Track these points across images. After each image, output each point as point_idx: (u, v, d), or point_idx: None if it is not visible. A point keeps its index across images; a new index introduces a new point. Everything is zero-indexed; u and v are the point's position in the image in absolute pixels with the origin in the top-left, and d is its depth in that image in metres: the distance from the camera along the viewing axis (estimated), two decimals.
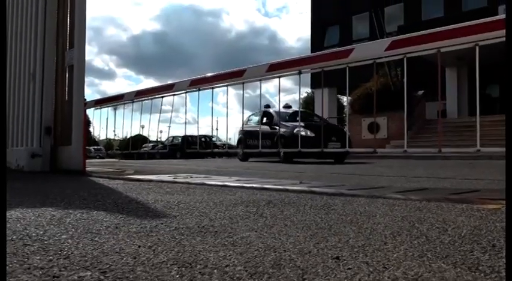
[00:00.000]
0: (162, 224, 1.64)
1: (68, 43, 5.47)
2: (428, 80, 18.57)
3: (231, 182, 3.91)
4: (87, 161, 5.59)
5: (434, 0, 20.69)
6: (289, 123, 10.69)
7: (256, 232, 1.50)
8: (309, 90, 30.78)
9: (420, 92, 16.19)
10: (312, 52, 25.56)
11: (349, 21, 24.10)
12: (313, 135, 9.33)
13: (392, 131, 15.22)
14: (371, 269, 1.01)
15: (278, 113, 11.24)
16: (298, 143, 6.95)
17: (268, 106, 11.99)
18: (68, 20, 5.47)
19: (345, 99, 26.41)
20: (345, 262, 1.09)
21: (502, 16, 2.54)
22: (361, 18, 23.23)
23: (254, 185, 3.38)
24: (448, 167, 7.76)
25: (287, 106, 11.97)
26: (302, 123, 10.21)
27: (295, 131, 9.33)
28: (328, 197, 2.60)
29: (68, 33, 5.46)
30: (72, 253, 1.17)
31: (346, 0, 24.28)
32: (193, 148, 23.10)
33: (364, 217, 1.85)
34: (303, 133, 9.29)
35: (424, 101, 16.64)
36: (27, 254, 1.16)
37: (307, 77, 23.49)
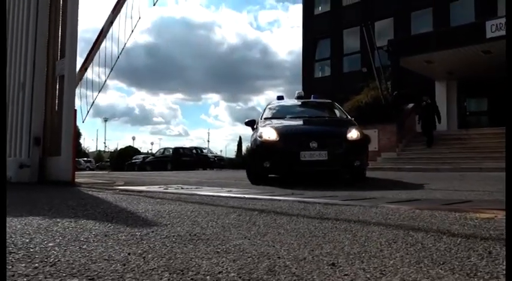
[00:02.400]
0: (152, 232, 1.60)
1: (59, 53, 5.43)
2: (418, 93, 18.79)
3: (223, 192, 3.87)
4: (76, 173, 5.51)
5: (423, 15, 21.06)
6: (281, 122, 6.46)
7: (249, 239, 1.47)
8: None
9: (410, 105, 16.33)
10: (303, 65, 25.82)
11: (340, 35, 24.38)
12: (277, 139, 5.63)
13: (383, 143, 15.30)
14: (368, 276, 0.99)
15: (271, 106, 7.52)
16: (257, 152, 5.81)
17: (281, 97, 8.28)
18: (60, 29, 5.45)
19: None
20: (341, 268, 1.06)
21: None
22: (352, 32, 23.52)
23: (246, 196, 3.35)
24: (438, 179, 7.78)
25: (299, 96, 8.35)
26: (299, 121, 6.49)
27: (257, 134, 5.85)
28: (321, 206, 2.58)
29: (59, 43, 5.43)
30: (59, 261, 1.13)
31: (337, 15, 24.60)
32: (185, 159, 22.98)
33: (358, 226, 1.82)
34: (264, 137, 5.73)
35: (414, 114, 16.77)
36: (11, 261, 1.12)
37: (298, 89, 23.62)
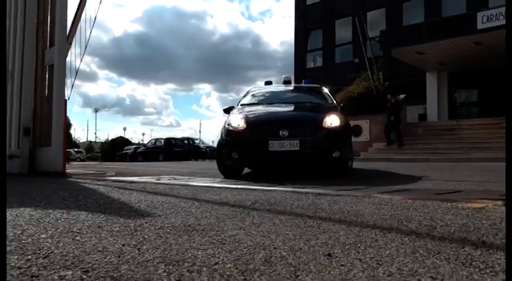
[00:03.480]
0: (146, 223, 1.59)
1: (48, 42, 5.34)
2: (410, 84, 18.87)
3: (216, 183, 3.86)
4: (67, 163, 5.45)
5: (415, 6, 21.06)
6: (256, 108, 5.82)
7: (244, 230, 1.46)
8: None
9: (402, 96, 16.40)
10: (295, 55, 25.74)
11: (332, 25, 24.31)
12: (244, 127, 5.03)
13: (374, 133, 15.38)
14: (365, 266, 0.99)
15: (252, 91, 6.90)
16: (224, 142, 5.15)
17: (269, 83, 7.44)
18: (49, 18, 5.34)
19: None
20: (338, 258, 1.06)
21: None
22: (344, 23, 23.47)
23: (239, 186, 3.34)
24: (429, 169, 7.85)
25: (287, 81, 7.42)
26: (276, 107, 5.74)
27: (227, 122, 5.32)
28: (314, 197, 2.58)
29: (48, 32, 5.33)
30: (52, 252, 1.11)
31: (329, 5, 24.50)
32: (177, 150, 22.91)
33: (352, 216, 1.83)
34: (233, 125, 5.14)
35: (405, 105, 16.86)
36: None
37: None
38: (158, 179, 4.32)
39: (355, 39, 20.78)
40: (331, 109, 5.41)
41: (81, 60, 5.69)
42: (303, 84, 7.47)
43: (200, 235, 1.36)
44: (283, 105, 5.91)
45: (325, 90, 6.71)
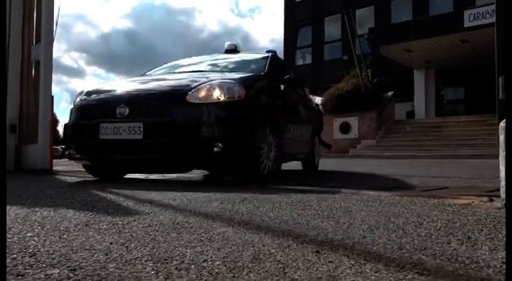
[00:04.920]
0: (134, 221, 1.58)
1: (34, 38, 5.25)
2: (398, 82, 19.02)
3: (201, 179, 3.85)
4: (54, 160, 5.39)
5: (403, 4, 21.24)
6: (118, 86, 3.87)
7: (232, 227, 1.46)
8: None
9: (390, 93, 16.54)
10: (284, 53, 25.75)
11: (321, 22, 24.39)
12: (78, 105, 3.68)
13: (363, 130, 15.50)
14: (352, 262, 1.00)
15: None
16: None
17: (231, 50, 5.30)
18: (35, 13, 5.26)
19: (317, 100, 26.63)
20: (326, 255, 1.07)
21: None
22: (333, 20, 23.57)
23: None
24: (416, 166, 7.95)
25: (229, 49, 5.29)
26: (165, 81, 3.78)
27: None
28: (303, 194, 2.59)
29: (34, 27, 5.25)
30: (38, 251, 1.10)
31: (318, 2, 24.56)
32: None
33: (340, 212, 1.84)
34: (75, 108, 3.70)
35: (393, 102, 17.01)
36: None
37: None
38: (147, 176, 4.30)
39: (344, 36, 20.89)
40: (240, 81, 3.50)
41: None
42: (251, 54, 5.21)
43: (188, 233, 1.36)
44: (177, 78, 3.88)
45: (272, 60, 4.51)
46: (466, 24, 14.24)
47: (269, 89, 4.00)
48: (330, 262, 1.01)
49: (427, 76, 18.98)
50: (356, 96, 15.20)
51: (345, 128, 15.77)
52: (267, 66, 4.29)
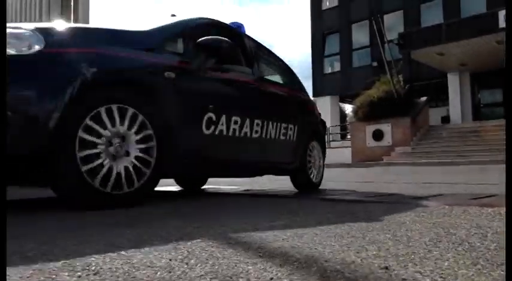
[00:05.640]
0: (186, 236, 1.57)
1: None
2: (431, 86, 18.56)
3: (240, 188, 3.83)
4: None
5: (433, 6, 20.81)
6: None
7: (288, 242, 1.43)
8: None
9: (423, 98, 16.16)
10: (313, 61, 25.67)
11: (349, 29, 24.21)
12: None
13: (397, 137, 15.15)
14: (428, 280, 0.94)
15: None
16: None
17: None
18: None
19: (347, 107, 26.37)
20: (396, 272, 1.02)
21: None
22: (361, 26, 23.35)
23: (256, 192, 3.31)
24: (456, 173, 7.67)
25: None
26: None
27: None
28: (348, 204, 2.53)
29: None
30: (101, 268, 1.10)
31: (345, 9, 24.43)
32: None
33: (393, 224, 1.77)
34: None
35: (427, 107, 16.60)
36: (53, 270, 1.09)
37: (309, 85, 23.58)
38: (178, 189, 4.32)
39: (373, 42, 20.63)
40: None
41: None
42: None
43: (245, 249, 1.33)
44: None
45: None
46: (502, 24, 13.77)
47: None
48: (404, 279, 0.95)
49: (461, 79, 18.44)
50: (388, 102, 14.91)
51: (378, 135, 15.47)
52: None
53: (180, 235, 1.57)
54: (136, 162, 2.41)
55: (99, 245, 1.38)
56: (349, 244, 1.36)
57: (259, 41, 3.99)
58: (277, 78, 4.38)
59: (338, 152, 17.57)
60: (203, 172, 3.47)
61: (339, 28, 24.55)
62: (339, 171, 10.04)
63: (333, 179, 5.93)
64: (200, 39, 2.92)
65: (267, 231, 1.66)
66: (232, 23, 3.94)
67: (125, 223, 1.90)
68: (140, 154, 2.44)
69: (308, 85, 23.05)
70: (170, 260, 1.19)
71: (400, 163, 12.90)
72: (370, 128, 15.64)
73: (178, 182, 4.54)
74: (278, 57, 4.42)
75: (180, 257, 1.22)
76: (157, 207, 2.55)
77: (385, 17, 21.27)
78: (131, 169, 2.39)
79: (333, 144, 20.75)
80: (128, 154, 2.39)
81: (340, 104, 25.90)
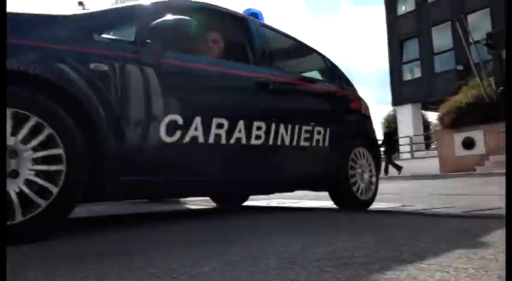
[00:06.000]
0: (298, 253, 1.52)
1: None
2: None
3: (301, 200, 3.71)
4: None
5: None
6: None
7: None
8: (390, 108, 29.39)
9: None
10: (390, 69, 24.77)
11: (428, 33, 23.03)
12: None
13: (490, 145, 13.92)
14: None
15: None
16: None
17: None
18: None
19: (430, 115, 24.93)
20: None
21: None
22: (442, 29, 22.10)
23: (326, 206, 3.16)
24: None
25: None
26: None
27: None
28: (459, 220, 2.32)
29: None
30: None
31: (423, 13, 23.31)
32: None
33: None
34: None
35: None
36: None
37: (387, 94, 22.67)
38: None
39: (456, 45, 19.39)
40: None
41: None
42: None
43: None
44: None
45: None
46: None
47: None
48: None
49: None
50: (478, 108, 13.79)
51: (468, 143, 14.35)
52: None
53: None
54: (24, 188, 1.74)
55: None
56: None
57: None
58: (313, 73, 3.90)
59: (424, 162, 16.56)
60: (168, 193, 2.83)
61: (418, 32, 23.45)
62: (431, 183, 9.43)
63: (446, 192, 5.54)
64: (155, 21, 2.30)
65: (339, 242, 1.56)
66: (246, 10, 3.46)
67: None
68: (34, 179, 1.78)
69: (387, 94, 22.16)
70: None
71: (497, 173, 11.79)
72: (459, 136, 14.56)
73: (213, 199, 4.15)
74: (309, 47, 3.78)
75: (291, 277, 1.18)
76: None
77: (469, 17, 19.91)
78: (13, 196, 1.71)
79: (416, 154, 19.67)
80: (16, 174, 1.75)
81: (423, 111, 24.58)
